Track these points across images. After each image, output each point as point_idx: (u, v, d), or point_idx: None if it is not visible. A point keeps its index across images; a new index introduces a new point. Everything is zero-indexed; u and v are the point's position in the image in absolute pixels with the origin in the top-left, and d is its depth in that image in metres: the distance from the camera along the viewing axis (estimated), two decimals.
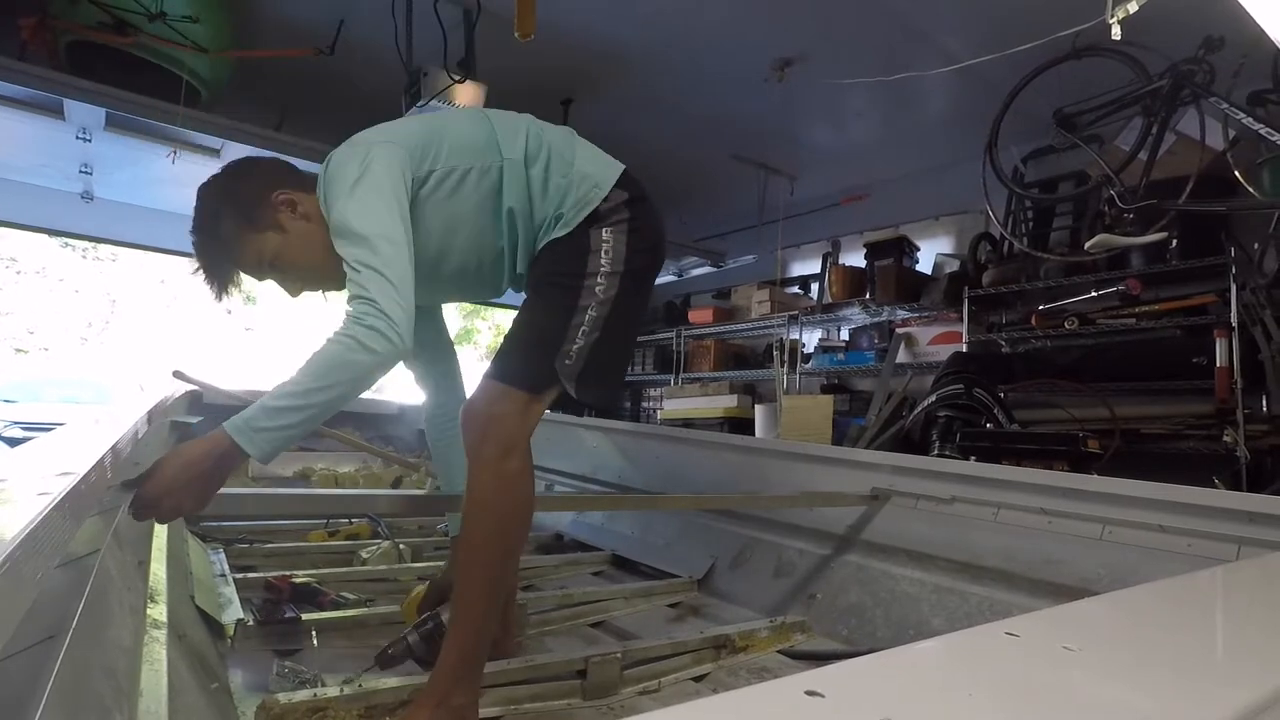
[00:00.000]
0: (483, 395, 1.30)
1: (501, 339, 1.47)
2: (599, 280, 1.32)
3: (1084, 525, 1.66)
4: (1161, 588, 0.76)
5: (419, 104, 3.08)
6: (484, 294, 1.52)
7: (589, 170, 1.38)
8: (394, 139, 1.31)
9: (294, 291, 1.39)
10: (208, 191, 1.34)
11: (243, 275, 1.36)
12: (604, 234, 1.35)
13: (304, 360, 1.11)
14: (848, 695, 0.37)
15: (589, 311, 1.31)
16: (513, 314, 1.39)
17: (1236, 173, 2.93)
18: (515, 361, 1.31)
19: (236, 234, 1.31)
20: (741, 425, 4.64)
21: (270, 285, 1.41)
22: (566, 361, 1.30)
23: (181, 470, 1.05)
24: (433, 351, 1.67)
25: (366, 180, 1.23)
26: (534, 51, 2.84)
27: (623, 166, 1.43)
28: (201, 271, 1.33)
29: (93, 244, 11.69)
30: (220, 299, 1.35)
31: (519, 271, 1.43)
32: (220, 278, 1.33)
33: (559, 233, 1.35)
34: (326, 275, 1.35)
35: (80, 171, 3.72)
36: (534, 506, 1.34)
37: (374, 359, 1.11)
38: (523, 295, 1.48)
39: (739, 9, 3.08)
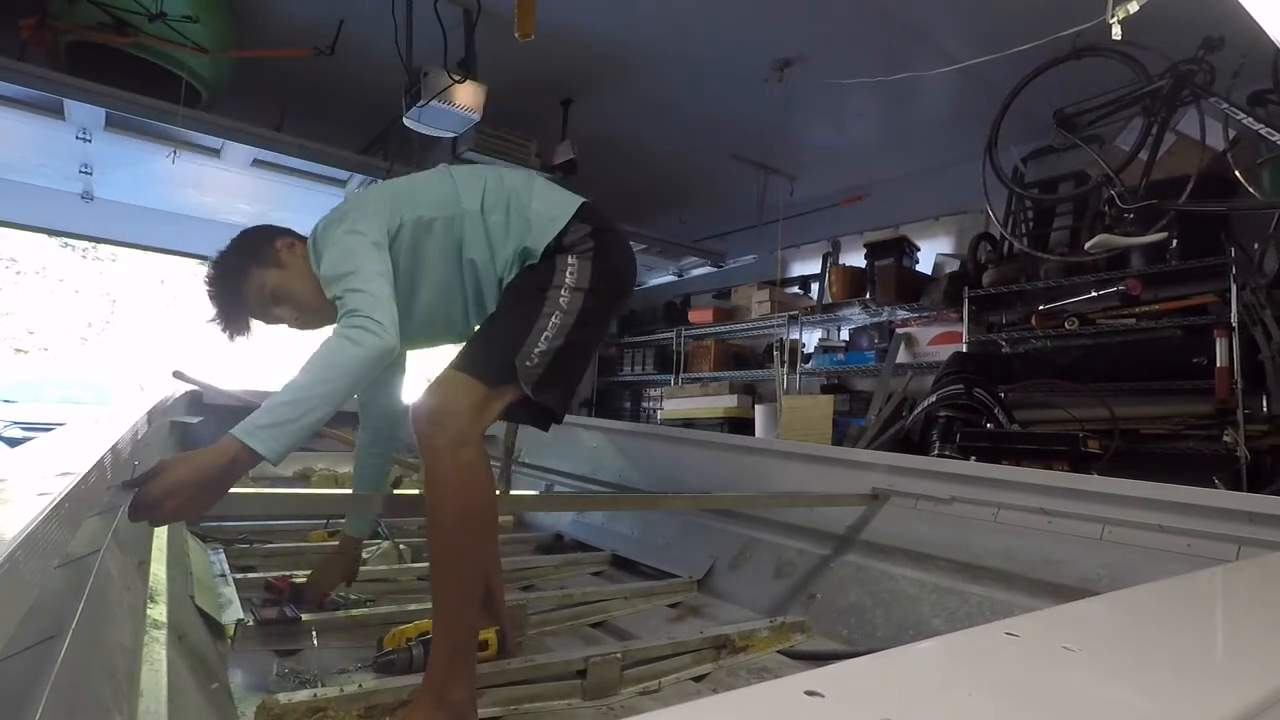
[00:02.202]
0: (438, 384, 1.31)
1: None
2: (563, 292, 1.38)
3: (1084, 525, 1.66)
4: (1161, 588, 0.76)
5: (419, 104, 3.07)
6: (450, 337, 1.60)
7: (545, 209, 1.45)
8: (374, 201, 1.46)
9: (300, 324, 1.51)
10: (228, 250, 1.54)
11: (252, 320, 1.53)
12: (569, 259, 1.42)
13: (302, 362, 1.17)
14: (847, 695, 0.37)
15: (553, 318, 1.36)
16: None
17: (1236, 173, 2.93)
18: (476, 355, 1.35)
19: (244, 271, 1.48)
20: (741, 425, 4.64)
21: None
22: (528, 363, 1.32)
23: (190, 474, 1.05)
24: (380, 421, 1.88)
25: (350, 236, 1.36)
26: (534, 51, 2.84)
27: (581, 200, 1.49)
28: (215, 313, 1.50)
29: (93, 244, 11.67)
30: (233, 339, 1.52)
31: (484, 317, 1.50)
32: (231, 316, 1.50)
33: (526, 263, 1.44)
34: (321, 309, 1.45)
35: (80, 171, 3.72)
36: (495, 494, 1.36)
37: (364, 351, 1.18)
38: None
39: (739, 9, 3.08)
